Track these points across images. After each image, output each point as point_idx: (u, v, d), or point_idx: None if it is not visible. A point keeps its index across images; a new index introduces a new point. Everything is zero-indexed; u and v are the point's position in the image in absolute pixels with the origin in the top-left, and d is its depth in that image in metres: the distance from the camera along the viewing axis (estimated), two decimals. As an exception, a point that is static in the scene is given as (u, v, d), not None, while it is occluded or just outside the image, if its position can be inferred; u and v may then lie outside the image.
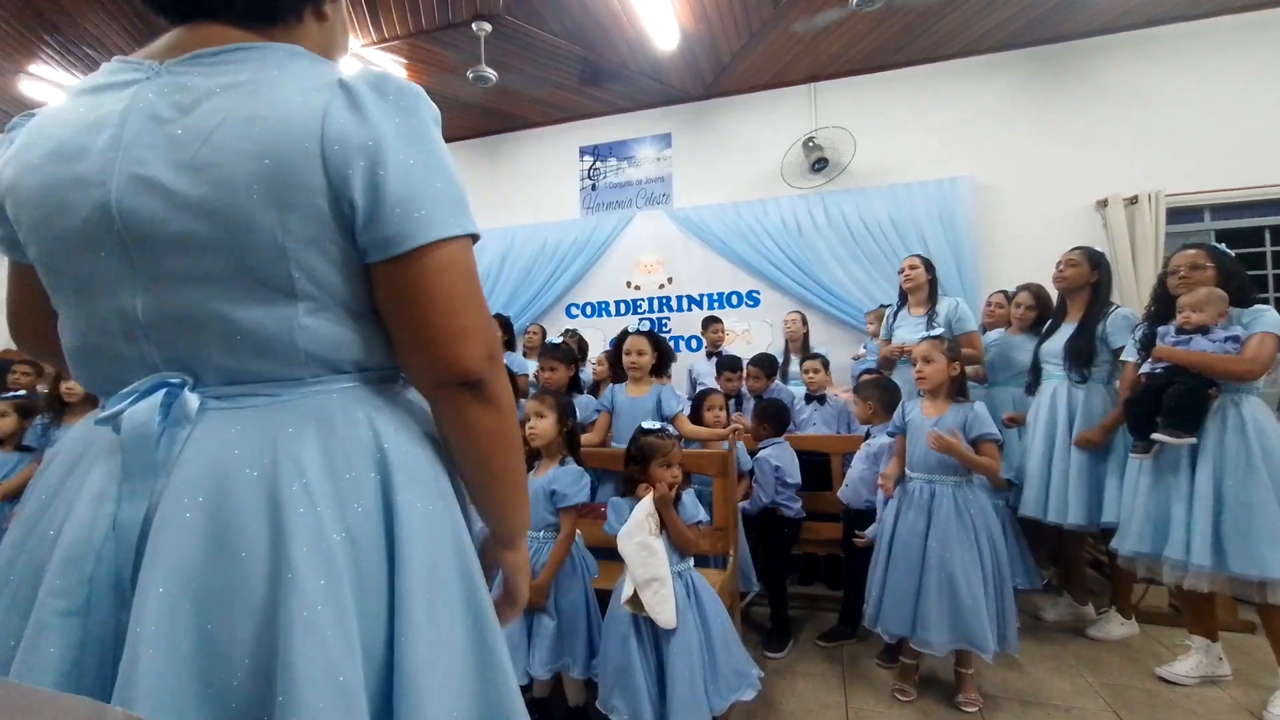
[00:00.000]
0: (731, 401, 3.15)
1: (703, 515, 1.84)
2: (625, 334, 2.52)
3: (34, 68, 4.26)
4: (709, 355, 3.89)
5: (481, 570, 0.67)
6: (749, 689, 1.68)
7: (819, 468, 2.78)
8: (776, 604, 2.50)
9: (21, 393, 2.70)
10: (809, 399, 3.23)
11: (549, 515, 1.82)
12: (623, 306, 5.03)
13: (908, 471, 2.11)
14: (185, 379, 0.57)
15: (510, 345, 3.64)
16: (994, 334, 3.08)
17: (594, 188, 5.19)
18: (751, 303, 4.67)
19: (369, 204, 0.56)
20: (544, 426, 1.91)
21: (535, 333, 4.30)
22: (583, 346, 3.78)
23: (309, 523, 0.54)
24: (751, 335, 4.61)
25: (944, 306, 2.91)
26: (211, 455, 0.55)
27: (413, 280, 0.58)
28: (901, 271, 3.06)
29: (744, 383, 3.30)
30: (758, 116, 4.74)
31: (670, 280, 4.90)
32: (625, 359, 2.47)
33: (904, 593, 1.98)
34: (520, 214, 5.26)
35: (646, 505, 1.61)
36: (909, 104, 4.40)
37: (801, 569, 3.15)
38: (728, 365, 3.29)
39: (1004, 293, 3.29)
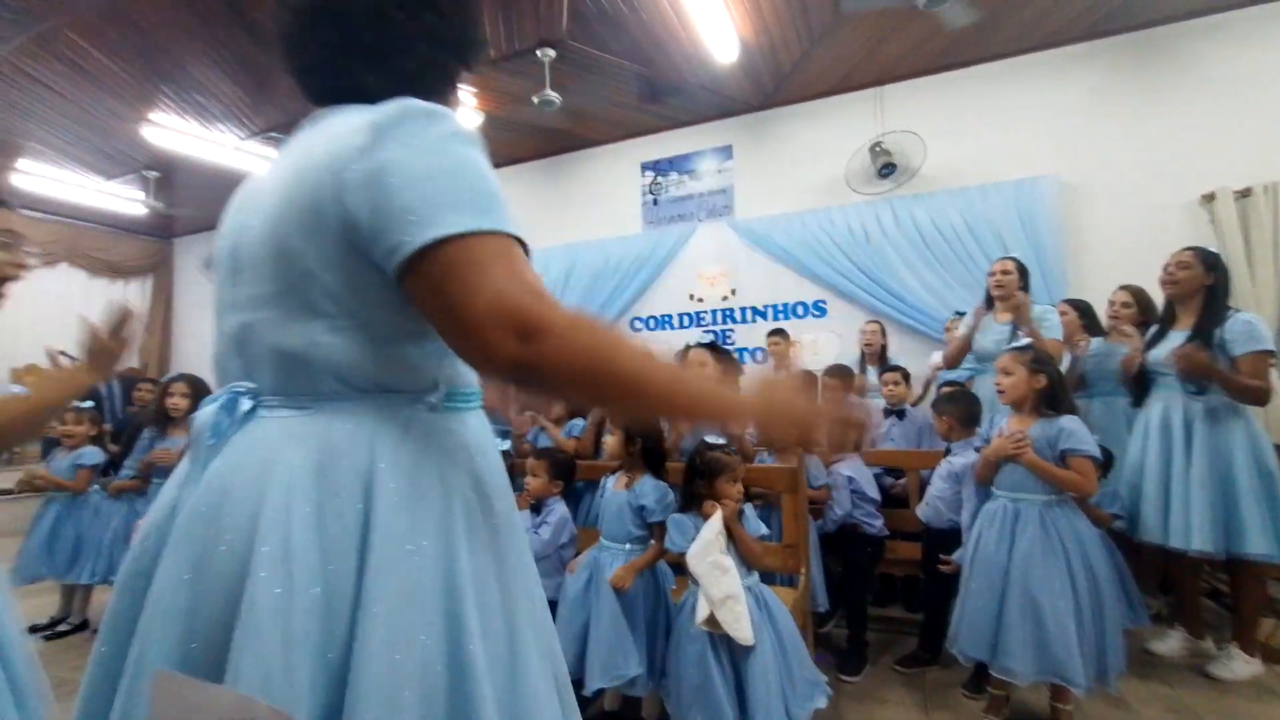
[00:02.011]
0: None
1: (764, 529, 1.85)
2: (688, 347, 2.52)
3: (154, 115, 4.74)
4: (776, 370, 3.82)
5: (477, 606, 0.62)
6: (822, 696, 1.67)
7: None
8: (855, 626, 2.40)
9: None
10: (888, 413, 3.11)
11: (635, 529, 1.85)
12: (686, 320, 5.03)
13: (993, 490, 2.00)
14: (251, 388, 0.66)
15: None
16: (1096, 342, 2.87)
17: (655, 202, 5.24)
18: (818, 313, 4.56)
19: (374, 220, 0.59)
20: (611, 443, 1.96)
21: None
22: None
23: (279, 528, 0.56)
24: (819, 346, 4.50)
25: (1032, 314, 2.74)
26: (235, 455, 0.62)
27: (426, 284, 0.58)
28: (992, 275, 2.89)
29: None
30: (821, 123, 4.65)
31: (734, 292, 4.86)
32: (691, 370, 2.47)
33: (984, 615, 1.87)
34: (584, 231, 5.38)
35: (716, 524, 1.59)
36: (984, 103, 4.21)
37: (877, 590, 3.02)
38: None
39: (1069, 301, 3.07)
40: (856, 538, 2.42)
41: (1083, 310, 3.01)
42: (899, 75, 4.41)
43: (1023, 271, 2.84)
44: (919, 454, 2.80)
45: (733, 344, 4.78)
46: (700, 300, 4.98)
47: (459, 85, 0.80)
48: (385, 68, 0.70)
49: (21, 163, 5.52)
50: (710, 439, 1.90)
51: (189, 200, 6.58)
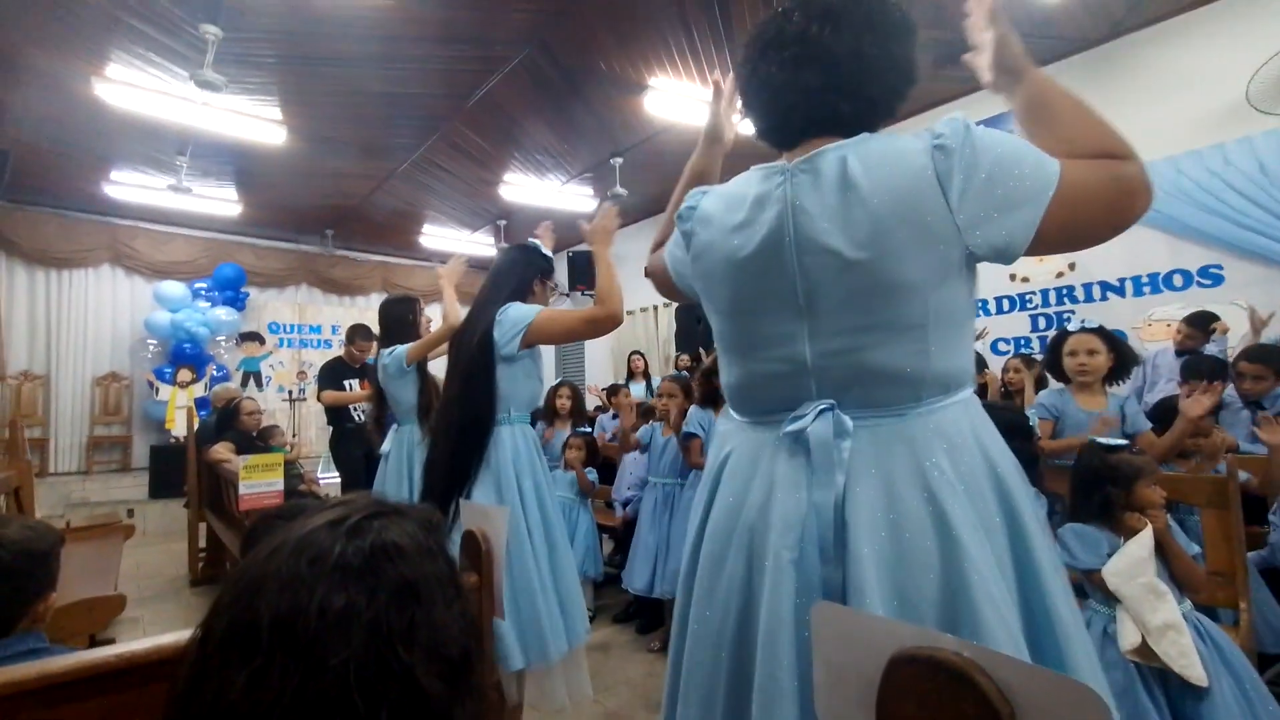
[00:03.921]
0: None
1: (1195, 547, 1.55)
2: (1065, 333, 2.19)
3: (507, 176, 5.97)
4: (1179, 353, 3.08)
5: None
6: None
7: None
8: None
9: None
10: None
11: None
12: (1007, 303, 4.41)
13: None
14: (832, 403, 0.74)
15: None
16: None
17: (959, 176, 4.71)
18: (1208, 281, 3.57)
19: (1001, 210, 0.68)
20: None
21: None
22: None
23: (962, 510, 0.68)
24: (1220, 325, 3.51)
25: None
26: (872, 459, 0.71)
27: (1062, 216, 0.68)
28: None
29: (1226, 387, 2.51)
30: (1203, 39, 3.64)
31: (1071, 267, 4.10)
32: (1071, 361, 2.12)
33: None
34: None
35: (1147, 540, 1.36)
36: None
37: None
38: (1198, 371, 2.38)
39: None
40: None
41: None
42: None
43: None
44: None
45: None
46: (1025, 280, 4.31)
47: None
48: (859, 97, 0.78)
49: (426, 227, 7.47)
50: (1103, 440, 1.65)
51: (523, 237, 8.09)
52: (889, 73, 0.78)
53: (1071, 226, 0.68)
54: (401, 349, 2.43)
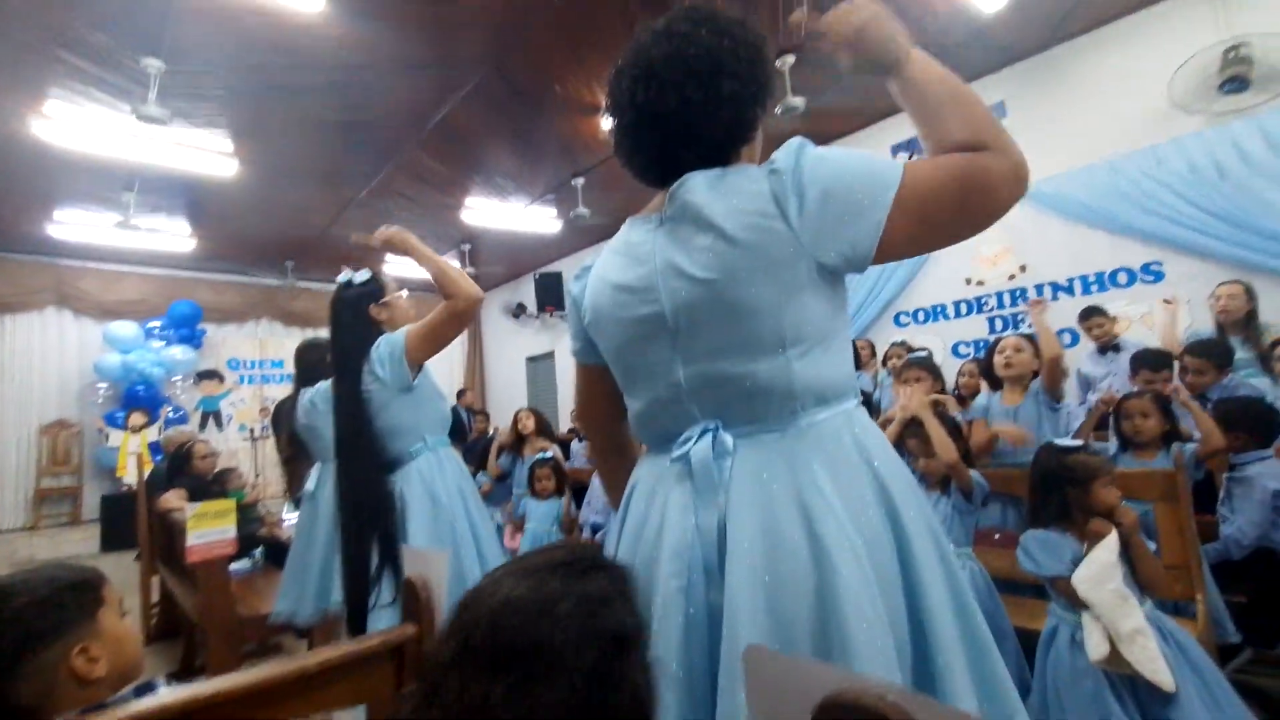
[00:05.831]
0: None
1: (1151, 544, 1.55)
2: (999, 340, 2.28)
3: (468, 200, 5.93)
4: (1101, 351, 3.19)
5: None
6: None
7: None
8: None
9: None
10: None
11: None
12: (964, 307, 4.51)
13: None
14: (717, 423, 0.75)
15: (859, 363, 3.60)
16: None
17: (912, 185, 4.82)
18: (1150, 278, 3.70)
19: (837, 225, 0.70)
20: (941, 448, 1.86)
21: (864, 347, 4.16)
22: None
23: (835, 529, 0.67)
24: (1153, 319, 3.64)
25: None
26: (751, 478, 0.72)
27: (911, 216, 0.69)
28: None
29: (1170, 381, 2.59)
30: (1129, 46, 3.80)
31: (1022, 269, 4.22)
32: (998, 358, 2.23)
33: None
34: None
35: (1113, 545, 1.37)
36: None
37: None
38: (1148, 361, 2.53)
39: None
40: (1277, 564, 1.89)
41: None
42: (1246, -43, 3.40)
43: None
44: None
45: (1026, 327, 4.14)
46: (980, 283, 4.42)
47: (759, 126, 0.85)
48: (699, 142, 0.79)
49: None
50: (1059, 442, 1.67)
51: (489, 261, 8.08)
52: (723, 109, 0.77)
53: (921, 229, 0.70)
54: (325, 385, 2.37)
